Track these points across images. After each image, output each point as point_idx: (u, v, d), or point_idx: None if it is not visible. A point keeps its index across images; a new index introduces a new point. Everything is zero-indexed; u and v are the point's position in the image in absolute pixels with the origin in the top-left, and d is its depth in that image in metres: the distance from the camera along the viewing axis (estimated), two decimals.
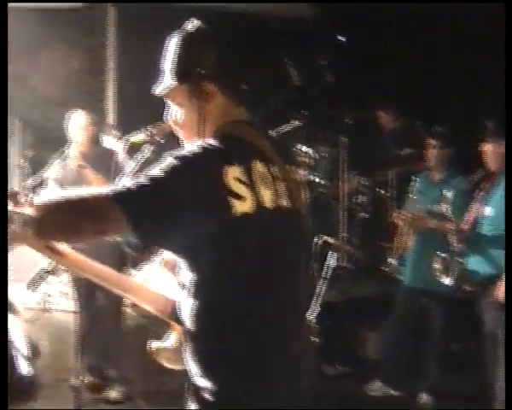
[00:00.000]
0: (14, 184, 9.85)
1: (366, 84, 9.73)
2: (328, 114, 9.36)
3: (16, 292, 6.61)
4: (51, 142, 12.42)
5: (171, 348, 2.61)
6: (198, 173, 2.27)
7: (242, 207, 2.26)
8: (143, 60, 11.01)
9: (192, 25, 2.53)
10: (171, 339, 2.62)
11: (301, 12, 10.25)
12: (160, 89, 2.55)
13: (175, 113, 2.56)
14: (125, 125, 8.85)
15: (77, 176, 5.99)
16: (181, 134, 2.59)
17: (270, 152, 2.46)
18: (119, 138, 7.60)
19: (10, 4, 9.75)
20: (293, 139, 8.13)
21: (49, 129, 13.32)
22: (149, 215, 2.23)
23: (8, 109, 11.93)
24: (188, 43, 2.49)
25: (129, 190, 2.24)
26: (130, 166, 2.77)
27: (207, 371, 2.39)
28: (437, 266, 6.05)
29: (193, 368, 2.43)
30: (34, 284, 2.45)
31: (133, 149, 2.78)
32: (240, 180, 2.27)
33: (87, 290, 5.81)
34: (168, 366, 2.64)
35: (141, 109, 10.91)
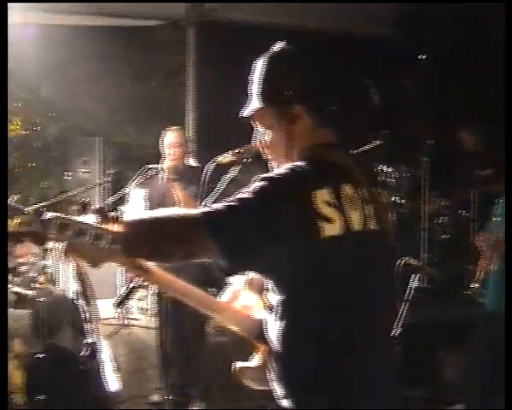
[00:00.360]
0: (96, 201, 9.99)
1: (448, 104, 9.63)
2: (409, 133, 9.30)
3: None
4: (132, 159, 12.66)
5: (256, 369, 2.60)
6: (287, 196, 2.24)
7: (331, 230, 2.23)
8: (222, 79, 11.13)
9: (279, 46, 2.51)
10: (256, 359, 2.61)
11: (382, 31, 10.22)
12: (247, 111, 2.54)
13: (262, 135, 2.54)
14: (204, 144, 8.93)
15: (165, 191, 6.05)
16: (268, 156, 2.57)
17: (358, 174, 2.42)
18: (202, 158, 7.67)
19: (94, 22, 10.06)
20: (375, 159, 8.08)
21: (129, 147, 13.58)
22: (238, 238, 2.22)
23: (90, 128, 12.18)
24: (275, 65, 2.47)
25: (218, 212, 2.23)
26: (216, 186, 2.77)
27: (291, 393, 2.37)
28: None
29: (277, 389, 2.41)
30: (122, 301, 2.46)
31: (220, 169, 2.78)
32: (329, 203, 2.24)
33: (170, 307, 5.83)
34: (252, 386, 2.63)
35: (219, 128, 11.03)
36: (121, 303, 2.57)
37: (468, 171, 9.21)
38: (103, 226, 2.23)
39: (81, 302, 2.40)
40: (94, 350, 2.91)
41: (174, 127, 6.36)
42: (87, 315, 2.89)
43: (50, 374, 5.39)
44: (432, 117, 9.57)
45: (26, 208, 6.25)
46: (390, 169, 8.64)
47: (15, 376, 7.10)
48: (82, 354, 2.87)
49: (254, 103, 2.50)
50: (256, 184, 2.25)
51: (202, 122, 10.24)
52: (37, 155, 15.10)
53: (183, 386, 6.31)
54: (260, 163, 2.62)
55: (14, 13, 9.22)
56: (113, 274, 9.39)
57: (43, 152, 14.82)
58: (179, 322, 5.95)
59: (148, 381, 6.67)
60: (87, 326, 2.67)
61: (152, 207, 6.21)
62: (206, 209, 2.27)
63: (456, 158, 9.54)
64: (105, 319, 7.96)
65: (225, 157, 2.79)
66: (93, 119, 12.71)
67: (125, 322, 8.94)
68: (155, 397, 6.36)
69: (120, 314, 8.99)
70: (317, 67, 2.49)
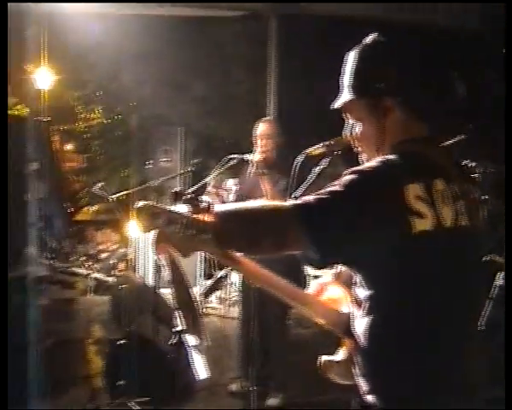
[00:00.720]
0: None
1: None
2: (494, 127, 9.12)
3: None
4: (212, 149, 12.77)
5: (341, 363, 2.58)
6: (379, 190, 2.22)
7: (422, 225, 2.19)
8: (305, 71, 11.09)
9: (371, 38, 2.49)
10: (341, 354, 2.59)
11: (468, 23, 10.05)
12: (338, 103, 2.52)
13: (353, 126, 2.53)
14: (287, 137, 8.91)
15: (254, 184, 6.02)
16: (359, 148, 2.55)
17: (449, 169, 2.38)
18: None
19: (167, 12, 10.14)
20: (460, 153, 7.95)
21: (210, 137, 13.69)
22: (329, 231, 2.20)
23: (172, 117, 12.27)
24: (368, 57, 2.46)
25: (309, 204, 2.21)
26: (306, 178, 2.76)
27: (376, 389, 2.35)
28: None
29: (362, 384, 2.39)
30: (209, 291, 2.47)
31: (310, 161, 2.77)
32: (420, 198, 2.20)
33: (254, 299, 5.84)
34: (337, 380, 2.61)
35: (302, 120, 10.99)
36: (208, 293, 2.59)
37: None
38: (194, 216, 2.23)
39: (170, 290, 2.39)
40: (182, 338, 2.93)
41: (266, 118, 6.32)
42: (175, 303, 2.89)
43: (131, 360, 5.45)
44: None
45: (110, 196, 6.35)
46: (474, 164, 8.48)
47: (95, 361, 7.25)
48: (170, 342, 2.88)
49: (346, 95, 2.48)
50: (347, 177, 2.23)
51: (284, 114, 10.22)
52: (118, 144, 15.34)
53: (263, 377, 6.31)
54: (350, 155, 2.61)
55: (95, 4, 9.40)
56: (193, 264, 9.48)
57: (124, 141, 15.04)
58: (262, 313, 5.95)
59: (228, 370, 6.69)
60: (175, 314, 2.67)
61: (241, 199, 6.24)
62: (298, 202, 2.25)
63: None
64: None
65: (316, 149, 2.77)
66: (174, 108, 12.81)
67: (204, 311, 9.01)
68: (234, 386, 6.38)
69: (200, 304, 9.07)
70: (409, 60, 2.44)
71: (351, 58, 2.49)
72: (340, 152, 2.73)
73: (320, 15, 10.35)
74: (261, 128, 6.14)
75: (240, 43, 12.68)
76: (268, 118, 6.26)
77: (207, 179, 6.61)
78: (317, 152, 2.75)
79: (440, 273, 2.29)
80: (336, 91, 2.48)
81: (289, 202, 2.26)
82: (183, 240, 2.25)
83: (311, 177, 2.70)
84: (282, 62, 10.22)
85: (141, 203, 2.22)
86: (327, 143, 2.74)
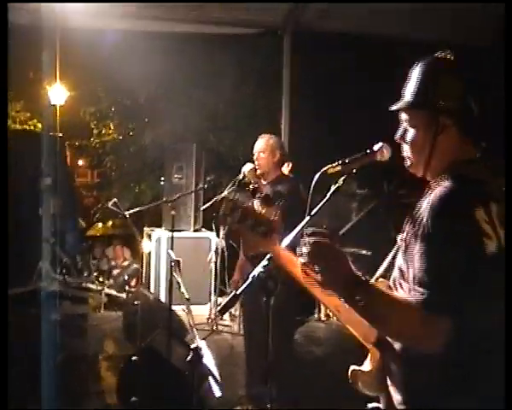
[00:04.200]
0: (191, 206, 10.09)
1: None
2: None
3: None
4: (225, 166, 12.77)
5: (370, 373, 2.59)
6: (468, 230, 2.25)
7: (491, 246, 2.25)
8: (318, 88, 11.09)
9: (439, 56, 2.52)
10: (370, 364, 2.61)
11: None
12: (398, 105, 2.55)
13: (405, 132, 2.56)
14: (297, 153, 8.90)
15: (249, 199, 6.03)
16: (406, 154, 2.57)
17: (498, 190, 2.40)
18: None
19: (181, 29, 10.16)
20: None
21: (223, 154, 13.70)
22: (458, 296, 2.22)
23: (185, 134, 12.25)
24: (433, 73, 2.50)
25: (435, 289, 2.21)
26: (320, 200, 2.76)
27: (412, 400, 2.37)
28: None
29: (394, 395, 2.40)
30: (225, 307, 2.47)
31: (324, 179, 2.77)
32: (485, 221, 2.26)
33: (255, 315, 5.81)
34: (365, 391, 2.61)
35: (314, 138, 11.00)
36: (224, 310, 2.58)
37: None
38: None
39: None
40: (199, 355, 2.94)
41: (265, 135, 6.35)
42: (191, 320, 2.91)
43: (144, 376, 5.44)
44: None
45: (125, 212, 6.36)
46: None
47: (108, 376, 7.23)
48: (188, 358, 2.88)
49: (407, 101, 2.52)
50: (434, 227, 2.26)
51: (297, 131, 10.23)
52: (131, 160, 15.38)
53: (266, 396, 6.23)
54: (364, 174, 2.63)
55: (113, 19, 9.44)
56: (207, 280, 9.48)
57: (137, 157, 15.08)
58: (265, 330, 5.92)
59: (237, 388, 6.67)
60: (191, 331, 2.69)
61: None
62: (419, 298, 2.25)
63: None
64: (197, 324, 8.00)
65: (333, 167, 2.78)
66: (188, 125, 12.84)
67: (216, 328, 8.99)
68: (238, 407, 6.34)
69: (212, 320, 9.05)
70: (471, 83, 2.48)
71: (420, 67, 2.52)
72: (356, 171, 2.74)
73: (335, 33, 10.38)
74: (257, 143, 6.18)
75: (255, 59, 12.72)
76: (266, 134, 6.27)
77: (221, 196, 6.63)
78: (335, 170, 2.75)
79: (497, 291, 2.30)
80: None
81: (412, 297, 2.27)
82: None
83: (328, 195, 2.70)
84: (297, 79, 10.24)
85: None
86: (344, 161, 2.74)
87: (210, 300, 9.46)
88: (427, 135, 2.46)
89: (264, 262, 2.51)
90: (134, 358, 5.58)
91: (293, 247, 2.61)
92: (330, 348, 8.48)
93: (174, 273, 4.40)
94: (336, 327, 9.31)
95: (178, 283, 4.06)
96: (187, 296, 3.81)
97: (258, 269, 2.49)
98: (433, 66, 2.51)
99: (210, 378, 2.71)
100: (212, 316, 9.15)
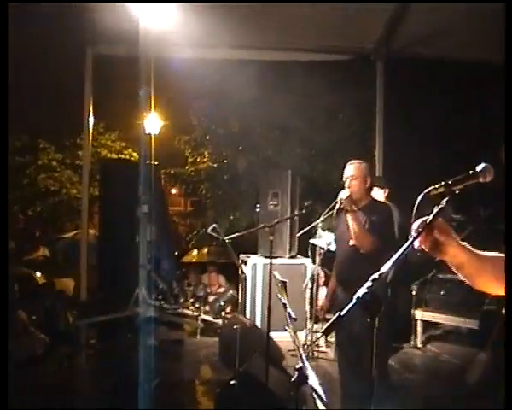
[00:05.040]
0: (287, 232, 10.13)
1: None
2: None
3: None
4: (318, 193, 12.78)
5: None
6: None
7: None
8: (410, 115, 11.03)
9: None
10: None
11: None
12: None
13: None
14: (392, 177, 8.85)
15: (343, 221, 6.07)
16: None
17: None
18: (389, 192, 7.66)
19: (274, 57, 10.25)
20: None
21: (318, 181, 13.71)
22: None
23: (278, 161, 12.25)
24: None
25: None
26: (415, 225, 2.76)
27: None
28: None
29: None
30: (330, 329, 2.48)
31: (427, 203, 2.75)
32: None
33: (351, 340, 5.79)
34: None
35: (407, 164, 10.91)
36: (329, 331, 2.59)
37: None
38: None
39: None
40: (303, 375, 2.94)
41: (355, 161, 6.37)
42: (297, 341, 2.92)
43: (243, 401, 5.47)
44: None
45: (225, 238, 6.42)
46: None
47: (203, 402, 7.30)
48: (292, 379, 2.89)
49: None
50: None
51: (391, 158, 10.20)
52: (226, 187, 15.54)
53: None
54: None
55: (208, 48, 9.60)
56: (303, 307, 9.47)
57: (231, 184, 15.22)
58: (366, 353, 5.89)
59: None
60: (297, 350, 2.69)
61: (336, 238, 6.29)
62: None
63: None
64: (292, 350, 8.00)
65: (436, 189, 2.77)
66: (281, 152, 12.92)
67: (313, 354, 8.97)
68: None
69: (308, 347, 9.03)
70: None
71: None
72: (458, 192, 2.72)
73: (426, 58, 10.34)
74: (348, 170, 6.20)
75: (348, 86, 12.72)
76: (356, 161, 6.29)
77: (317, 222, 6.65)
78: (437, 192, 2.74)
79: None
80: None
81: None
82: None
83: (431, 216, 2.69)
84: (389, 105, 10.23)
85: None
86: (447, 182, 2.73)
87: (306, 326, 9.44)
88: None
89: (369, 283, 2.50)
90: (232, 382, 5.61)
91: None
92: (425, 374, 8.37)
93: (279, 295, 4.41)
94: (432, 354, 9.20)
95: (285, 304, 4.06)
96: (294, 316, 3.81)
97: (363, 290, 2.49)
98: None
99: (315, 397, 2.71)
100: (309, 342, 9.13)
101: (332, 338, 8.83)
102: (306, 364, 3.04)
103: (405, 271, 5.95)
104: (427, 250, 2.53)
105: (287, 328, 3.97)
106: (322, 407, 2.67)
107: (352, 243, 5.81)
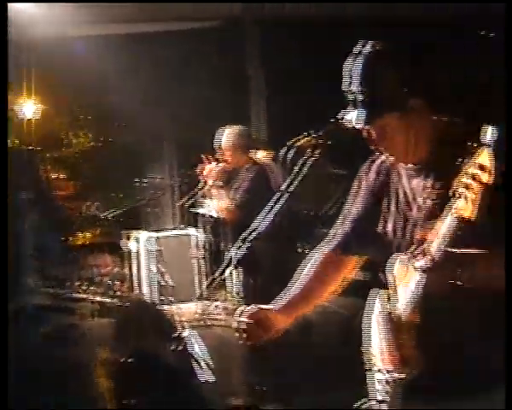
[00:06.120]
0: (167, 202, 10.09)
1: None
2: None
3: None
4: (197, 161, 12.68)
5: None
6: None
7: None
8: (287, 75, 11.11)
9: (374, 45, 2.38)
10: None
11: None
12: (361, 122, 2.40)
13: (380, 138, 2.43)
14: (272, 141, 8.90)
15: (210, 193, 6.08)
16: (385, 153, 2.51)
17: None
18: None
19: (139, 29, 10.10)
20: None
21: (196, 147, 13.61)
22: None
23: (156, 133, 12.20)
24: (384, 65, 2.36)
25: None
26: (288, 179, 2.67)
27: None
28: None
29: None
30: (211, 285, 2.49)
31: (295, 156, 2.66)
32: None
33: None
34: None
35: (288, 124, 11.00)
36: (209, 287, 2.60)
37: None
38: None
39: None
40: (186, 344, 2.96)
41: (229, 126, 6.35)
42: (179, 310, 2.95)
43: (139, 378, 5.45)
44: None
45: (104, 214, 6.36)
46: None
47: (103, 382, 7.23)
48: (173, 348, 2.90)
49: (373, 113, 2.40)
50: None
51: (270, 119, 10.25)
52: (107, 166, 15.31)
53: (262, 389, 6.19)
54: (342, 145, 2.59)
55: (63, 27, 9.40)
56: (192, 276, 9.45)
57: (113, 162, 15.02)
58: None
59: (230, 383, 6.63)
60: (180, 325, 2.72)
61: None
62: None
63: None
64: (188, 320, 7.99)
65: (303, 140, 2.64)
66: (158, 124, 12.76)
67: (208, 322, 8.95)
68: (235, 400, 6.32)
69: (202, 315, 8.99)
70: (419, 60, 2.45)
71: (359, 71, 2.39)
72: (331, 142, 2.63)
73: (294, 18, 10.41)
74: (225, 136, 6.19)
75: (217, 53, 12.63)
76: (230, 125, 6.27)
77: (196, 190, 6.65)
78: (304, 141, 2.61)
79: None
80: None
81: None
82: None
83: (297, 168, 2.61)
84: (261, 69, 10.26)
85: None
86: (320, 133, 2.62)
87: (195, 295, 9.41)
88: (404, 127, 2.39)
89: (239, 243, 2.49)
90: (130, 360, 5.58)
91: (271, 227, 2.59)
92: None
93: (158, 265, 4.40)
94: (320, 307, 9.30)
95: (162, 273, 4.05)
96: (171, 284, 3.83)
97: (234, 250, 2.49)
98: (374, 60, 2.38)
99: (202, 364, 2.72)
100: (199, 311, 9.08)
101: (223, 303, 8.86)
102: (191, 332, 3.06)
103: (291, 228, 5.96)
104: None
105: (169, 298, 3.98)
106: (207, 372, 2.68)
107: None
